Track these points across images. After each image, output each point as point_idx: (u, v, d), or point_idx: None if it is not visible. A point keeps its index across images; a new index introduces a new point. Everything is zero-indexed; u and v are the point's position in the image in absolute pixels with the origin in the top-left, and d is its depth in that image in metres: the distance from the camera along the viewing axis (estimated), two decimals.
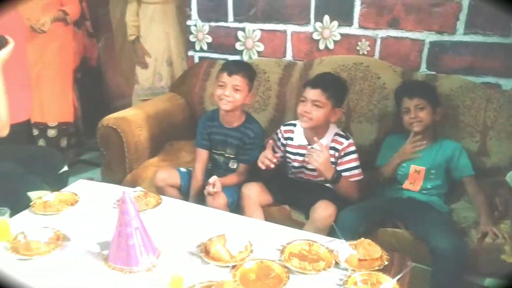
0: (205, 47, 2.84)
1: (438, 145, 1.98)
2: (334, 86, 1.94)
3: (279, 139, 2.09)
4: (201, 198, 1.97)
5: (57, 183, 1.88)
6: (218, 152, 2.12)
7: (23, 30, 2.42)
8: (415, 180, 1.97)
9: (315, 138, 1.87)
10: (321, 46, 2.54)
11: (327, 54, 2.52)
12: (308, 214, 1.94)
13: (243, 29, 2.71)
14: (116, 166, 2.27)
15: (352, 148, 1.96)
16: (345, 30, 2.47)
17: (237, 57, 2.77)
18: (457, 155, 1.95)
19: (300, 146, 2.02)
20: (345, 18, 2.45)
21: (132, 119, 2.25)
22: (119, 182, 2.20)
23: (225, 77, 1.99)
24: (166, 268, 1.37)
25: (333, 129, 1.99)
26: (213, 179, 1.88)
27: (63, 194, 1.77)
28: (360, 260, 1.40)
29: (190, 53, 2.91)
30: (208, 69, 2.66)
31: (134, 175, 2.21)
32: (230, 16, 2.72)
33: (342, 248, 1.44)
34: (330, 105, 1.91)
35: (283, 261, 1.39)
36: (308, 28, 2.55)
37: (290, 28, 2.59)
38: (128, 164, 2.24)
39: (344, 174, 1.92)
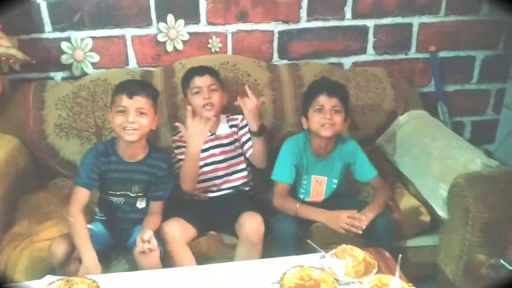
0: (16, 67, 2.23)
1: (338, 151, 1.91)
2: (215, 71, 2.04)
3: (177, 147, 1.98)
4: None
5: None
6: (118, 193, 1.76)
7: None
8: (317, 191, 1.92)
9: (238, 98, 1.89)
10: (169, 48, 2.31)
11: (177, 56, 2.33)
12: (234, 233, 1.83)
13: (68, 39, 2.23)
14: None
15: (246, 122, 1.99)
16: (193, 28, 2.31)
17: (64, 73, 2.29)
18: (357, 159, 1.90)
19: (205, 140, 1.91)
20: (191, 16, 2.28)
21: None
22: None
23: (124, 100, 1.66)
24: None
25: (222, 116, 2.04)
26: (149, 234, 1.55)
27: None
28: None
29: None
30: (39, 94, 2.12)
31: None
32: (48, 25, 2.20)
33: (330, 262, 1.41)
34: (221, 89, 1.99)
35: None
36: (151, 30, 2.28)
37: (129, 32, 2.27)
38: None
39: (247, 144, 1.98)
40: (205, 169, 1.95)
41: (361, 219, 1.73)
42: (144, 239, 1.54)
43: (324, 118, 1.79)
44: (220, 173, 1.98)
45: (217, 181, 1.97)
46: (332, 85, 1.89)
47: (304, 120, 1.89)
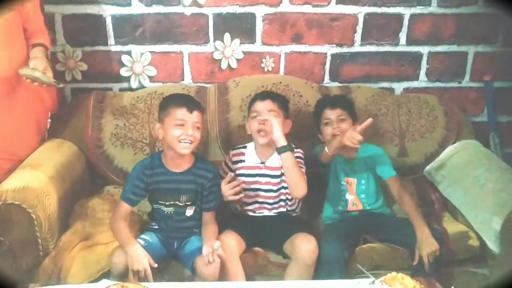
0: (79, 77, 2.35)
1: (361, 152, 1.98)
2: (280, 97, 2.00)
3: (226, 164, 2.02)
4: None
5: None
6: (167, 203, 1.80)
7: None
8: (350, 191, 2.02)
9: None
10: (224, 66, 2.38)
11: (230, 74, 2.38)
12: (280, 252, 1.84)
13: (128, 53, 2.33)
14: (21, 252, 1.71)
15: (298, 154, 1.95)
16: (248, 47, 2.36)
17: (123, 85, 2.38)
18: (377, 158, 2.03)
19: (253, 166, 1.97)
20: (247, 36, 2.35)
21: (37, 187, 1.72)
22: (28, 272, 1.69)
23: (184, 113, 1.72)
24: None
25: None
26: (218, 244, 1.61)
27: None
28: None
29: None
30: (99, 104, 2.21)
31: (53, 258, 1.70)
32: (111, 39, 2.31)
33: None
34: (282, 115, 1.93)
35: None
36: (208, 48, 2.35)
37: (186, 49, 2.35)
38: (41, 246, 1.71)
39: None
40: (249, 193, 1.95)
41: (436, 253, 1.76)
42: (215, 248, 1.58)
43: (333, 128, 1.97)
44: (262, 200, 1.95)
45: (258, 205, 1.97)
46: (333, 99, 2.16)
47: (320, 136, 2.06)
